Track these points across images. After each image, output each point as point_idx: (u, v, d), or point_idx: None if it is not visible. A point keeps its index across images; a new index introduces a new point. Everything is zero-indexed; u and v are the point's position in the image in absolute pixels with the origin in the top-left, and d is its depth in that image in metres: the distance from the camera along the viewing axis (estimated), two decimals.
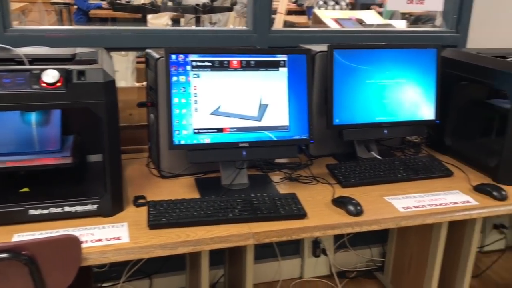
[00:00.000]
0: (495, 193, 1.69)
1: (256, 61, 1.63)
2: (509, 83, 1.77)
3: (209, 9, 3.69)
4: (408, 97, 1.94)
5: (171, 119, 1.56)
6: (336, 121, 1.86)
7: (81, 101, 1.34)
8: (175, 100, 1.56)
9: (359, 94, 1.88)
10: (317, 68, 1.89)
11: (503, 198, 1.68)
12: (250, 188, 1.69)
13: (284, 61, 1.66)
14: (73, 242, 1.22)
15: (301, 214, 1.50)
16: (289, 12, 7.45)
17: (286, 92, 1.66)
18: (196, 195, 1.63)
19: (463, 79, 2.01)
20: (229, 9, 4.15)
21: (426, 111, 1.98)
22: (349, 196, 1.61)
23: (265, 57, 1.64)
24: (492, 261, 2.66)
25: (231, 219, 1.45)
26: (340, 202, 1.58)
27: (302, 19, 7.29)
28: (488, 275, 2.60)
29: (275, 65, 1.65)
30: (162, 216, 1.43)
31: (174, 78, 1.56)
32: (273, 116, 1.66)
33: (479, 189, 1.74)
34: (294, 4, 9.52)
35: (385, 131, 1.94)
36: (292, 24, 6.81)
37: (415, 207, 1.61)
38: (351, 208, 1.54)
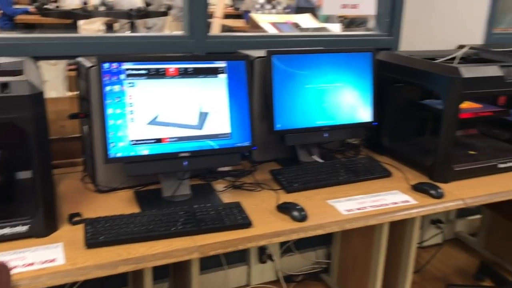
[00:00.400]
0: (432, 192, 1.75)
1: (194, 68, 1.59)
2: (440, 85, 1.83)
3: (144, 14, 3.59)
4: (346, 100, 1.97)
5: (105, 130, 1.49)
6: (278, 126, 1.86)
7: (5, 115, 1.25)
8: (109, 111, 1.49)
9: (299, 99, 1.88)
10: (256, 73, 1.88)
11: (439, 196, 1.74)
12: (193, 199, 1.64)
13: (223, 67, 1.62)
14: (1, 270, 1.12)
15: (246, 223, 1.47)
16: (226, 16, 7.43)
17: (227, 99, 1.63)
18: (136, 209, 1.56)
19: (397, 81, 2.07)
20: (164, 13, 4.07)
21: (364, 113, 2.01)
22: (293, 201, 1.61)
23: (203, 64, 1.60)
24: (431, 255, 2.76)
25: (174, 233, 1.40)
26: (285, 208, 1.57)
27: (239, 23, 7.30)
28: (428, 269, 2.69)
29: (213, 72, 1.61)
30: (100, 233, 1.35)
31: (108, 88, 1.48)
32: (214, 124, 1.62)
33: (417, 188, 1.79)
34: (231, 8, 9.53)
35: (326, 135, 1.96)
36: (230, 29, 6.81)
37: (357, 209, 1.63)
38: (296, 214, 1.53)
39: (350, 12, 2.36)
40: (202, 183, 1.77)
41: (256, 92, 1.88)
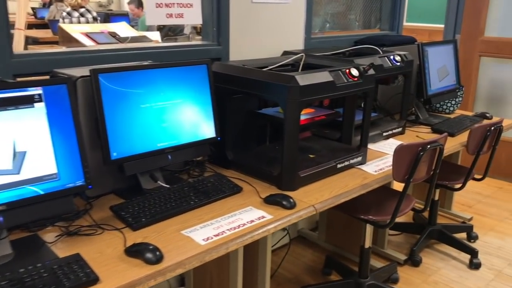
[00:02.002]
0: (284, 203, 1.71)
1: (1, 99, 1.27)
2: (279, 94, 1.81)
3: None
4: (188, 117, 1.83)
5: None
6: (114, 155, 1.62)
7: None
8: None
9: (136, 121, 1.67)
10: (81, 96, 1.61)
11: (292, 206, 1.71)
12: (16, 259, 1.32)
13: (39, 94, 1.33)
14: None
15: (92, 280, 1.22)
16: (29, 26, 6.70)
17: (48, 133, 1.34)
18: None
19: (235, 92, 2.00)
20: None
21: (207, 129, 1.89)
22: (144, 241, 1.41)
23: (12, 93, 1.29)
24: (280, 258, 2.79)
25: None
26: (135, 252, 1.36)
27: (46, 33, 6.64)
28: (280, 273, 2.72)
29: (28, 101, 1.31)
30: None
31: None
32: (35, 165, 1.32)
33: (269, 201, 1.74)
34: (33, 17, 8.68)
35: (169, 157, 1.79)
36: (36, 40, 6.13)
37: (215, 235, 1.50)
38: (149, 255, 1.34)
39: (176, 22, 2.22)
40: (26, 236, 1.45)
41: (83, 117, 1.61)
